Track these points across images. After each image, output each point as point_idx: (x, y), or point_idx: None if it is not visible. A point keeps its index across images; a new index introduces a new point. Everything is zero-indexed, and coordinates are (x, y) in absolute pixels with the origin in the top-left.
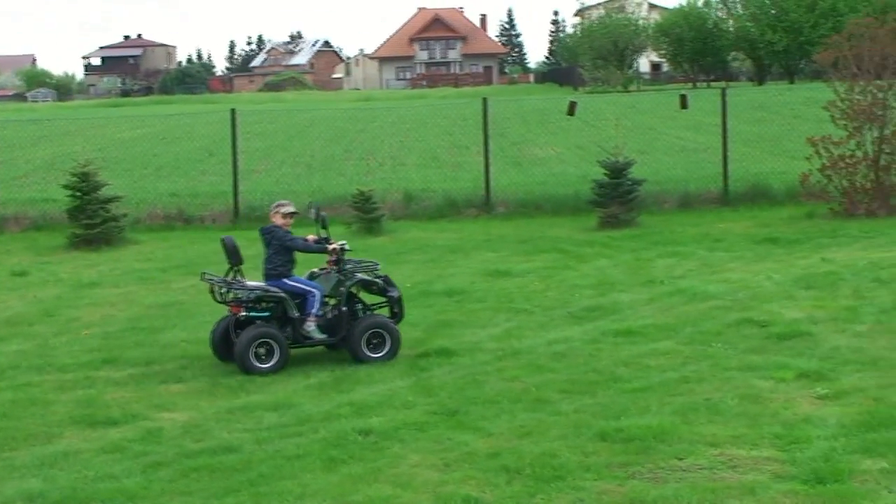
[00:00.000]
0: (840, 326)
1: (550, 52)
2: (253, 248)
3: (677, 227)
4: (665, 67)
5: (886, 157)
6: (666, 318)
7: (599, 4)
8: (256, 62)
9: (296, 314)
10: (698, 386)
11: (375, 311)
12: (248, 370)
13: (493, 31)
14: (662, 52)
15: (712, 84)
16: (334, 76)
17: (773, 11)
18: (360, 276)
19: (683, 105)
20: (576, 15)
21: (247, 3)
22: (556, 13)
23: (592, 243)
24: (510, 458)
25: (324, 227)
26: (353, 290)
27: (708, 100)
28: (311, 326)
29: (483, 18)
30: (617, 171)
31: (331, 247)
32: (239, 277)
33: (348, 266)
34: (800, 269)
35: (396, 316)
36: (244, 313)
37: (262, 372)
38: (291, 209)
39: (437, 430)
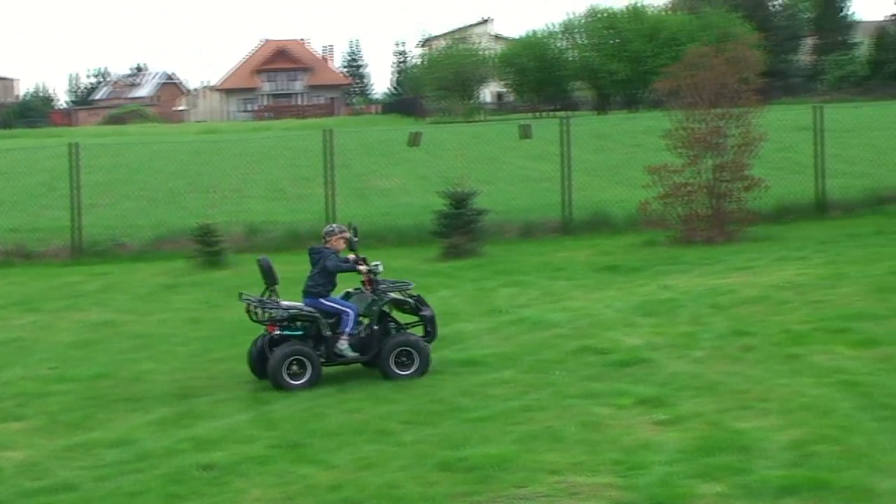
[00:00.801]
0: (678, 353)
1: (395, 82)
2: (96, 283)
3: (520, 257)
4: (509, 97)
5: (724, 185)
6: (508, 347)
7: (443, 35)
8: (99, 95)
9: (328, 333)
10: (539, 414)
11: (408, 331)
12: (280, 386)
13: (337, 62)
14: (506, 82)
15: (555, 114)
16: (178, 108)
17: (614, 41)
18: (392, 295)
19: (525, 135)
20: (420, 46)
21: (90, 36)
22: (400, 44)
23: (435, 273)
24: (352, 490)
25: (352, 250)
26: (386, 308)
27: (550, 129)
28: (343, 345)
29: (328, 50)
30: (459, 202)
31: (360, 268)
32: (274, 297)
33: (382, 286)
34: (639, 296)
35: (430, 335)
36: (278, 332)
37: (294, 388)
38: (349, 236)
39: (279, 464)
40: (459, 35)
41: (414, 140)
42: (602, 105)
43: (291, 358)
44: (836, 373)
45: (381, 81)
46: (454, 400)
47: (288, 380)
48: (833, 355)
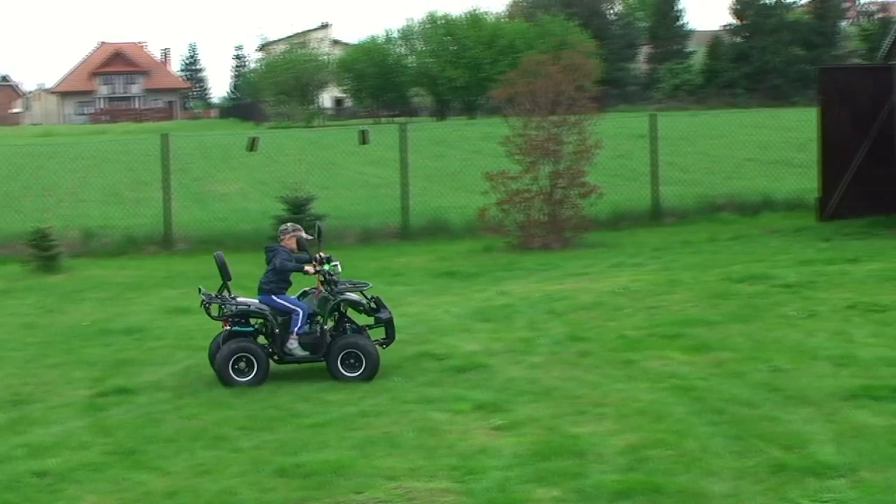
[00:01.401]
0: (516, 358)
1: (234, 87)
2: None
3: (358, 262)
4: (348, 103)
5: (560, 192)
6: None
7: (282, 40)
8: None
9: (276, 331)
10: (377, 420)
11: (364, 332)
12: (226, 383)
13: (176, 65)
14: (345, 87)
15: (395, 119)
16: (13, 111)
17: (453, 48)
18: (345, 295)
19: (363, 140)
20: (259, 50)
21: None
22: (238, 48)
23: None
24: (188, 496)
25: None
26: (343, 309)
27: (389, 135)
28: (293, 344)
29: (165, 53)
30: (298, 207)
31: (307, 268)
32: (225, 293)
33: (340, 286)
34: (477, 301)
35: (388, 337)
36: (228, 328)
37: (241, 385)
38: (306, 236)
39: (115, 471)
40: (298, 40)
41: (252, 145)
42: (441, 111)
43: (238, 355)
44: (669, 378)
45: (219, 85)
46: (292, 406)
47: (234, 376)
48: (667, 361)
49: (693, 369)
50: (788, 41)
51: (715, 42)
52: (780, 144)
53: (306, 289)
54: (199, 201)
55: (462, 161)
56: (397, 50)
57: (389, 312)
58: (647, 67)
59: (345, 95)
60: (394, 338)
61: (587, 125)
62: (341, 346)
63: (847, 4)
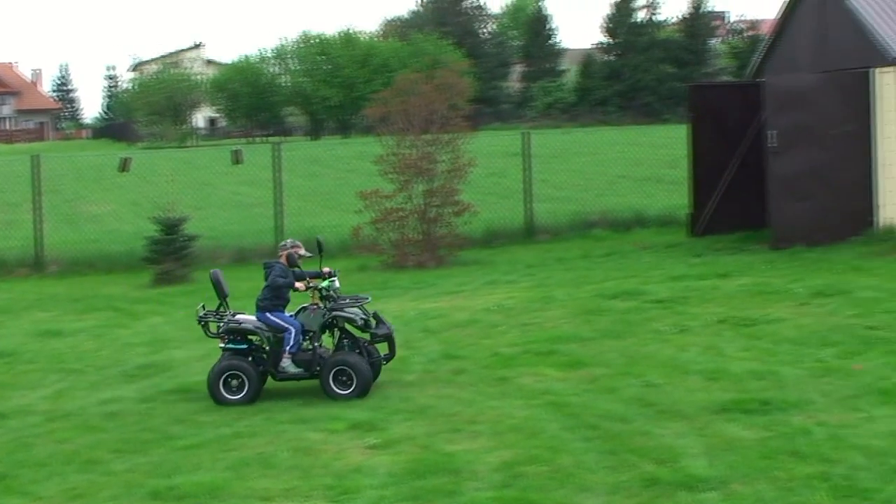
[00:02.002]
0: (391, 376)
1: (106, 107)
2: None
3: (232, 282)
4: (222, 122)
5: (434, 210)
6: None
7: (155, 60)
8: None
9: (267, 347)
10: (251, 440)
11: (365, 349)
12: (218, 401)
13: (47, 86)
14: (219, 107)
15: (269, 139)
16: None
17: (327, 67)
18: (335, 312)
19: (237, 160)
20: (131, 70)
21: None
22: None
23: (146, 300)
24: None
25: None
26: (339, 324)
27: (263, 154)
28: (286, 362)
29: (37, 74)
30: (171, 227)
31: (298, 285)
32: (223, 310)
33: (340, 302)
34: None
35: (389, 353)
36: (222, 345)
37: (232, 403)
38: (305, 252)
39: None
40: (171, 59)
41: (124, 165)
42: (315, 130)
43: (228, 373)
44: (543, 394)
45: (92, 106)
46: (165, 428)
47: (225, 394)
48: (541, 377)
49: (567, 385)
50: (660, 59)
51: (587, 60)
52: (652, 161)
53: (304, 305)
54: (70, 223)
55: (336, 180)
56: (271, 69)
57: (389, 328)
58: (520, 86)
59: (218, 115)
60: (393, 354)
61: (460, 143)
62: (332, 363)
63: (717, 23)
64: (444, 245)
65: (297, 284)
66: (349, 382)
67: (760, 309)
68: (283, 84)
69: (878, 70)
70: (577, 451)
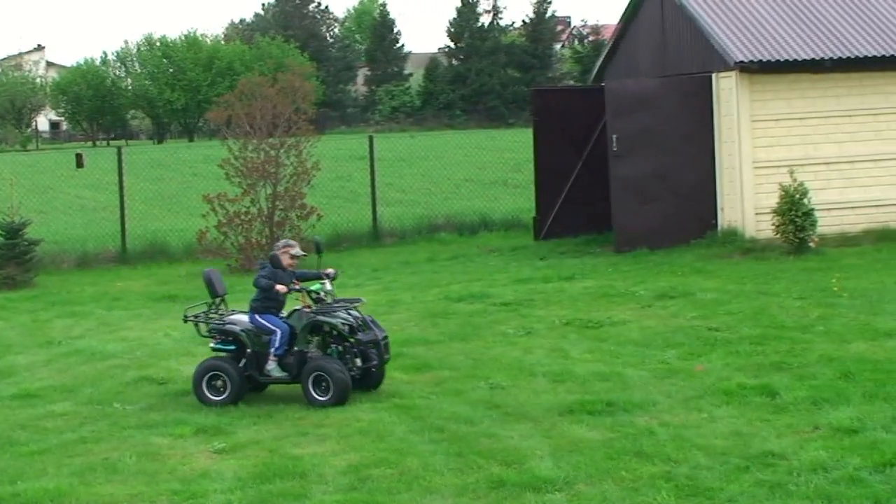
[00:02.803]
0: None
1: None
2: None
3: (75, 287)
4: (65, 126)
5: (280, 214)
6: (64, 378)
7: None
8: None
9: (248, 350)
10: (96, 446)
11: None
12: (201, 401)
13: None
14: (61, 110)
15: (112, 142)
16: None
17: (170, 70)
18: (318, 317)
19: (79, 164)
20: None
21: None
22: None
23: None
24: None
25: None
26: (326, 328)
27: (107, 158)
28: (271, 365)
29: None
30: (12, 232)
31: (278, 287)
32: (222, 309)
33: (330, 305)
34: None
35: (372, 359)
36: (212, 345)
37: (214, 404)
38: (298, 251)
39: None
40: (12, 62)
41: None
42: (160, 134)
43: (211, 373)
44: (390, 398)
45: None
46: (9, 434)
47: (209, 394)
48: (388, 380)
49: (413, 388)
50: (504, 63)
51: (432, 64)
52: (497, 165)
53: (297, 307)
54: None
55: (181, 184)
56: (114, 72)
57: (376, 333)
58: (365, 90)
59: (61, 118)
60: (379, 361)
61: (305, 147)
62: (310, 368)
63: (560, 27)
64: None
65: (278, 287)
66: (327, 389)
67: (605, 311)
68: (127, 87)
69: (718, 75)
70: (423, 454)
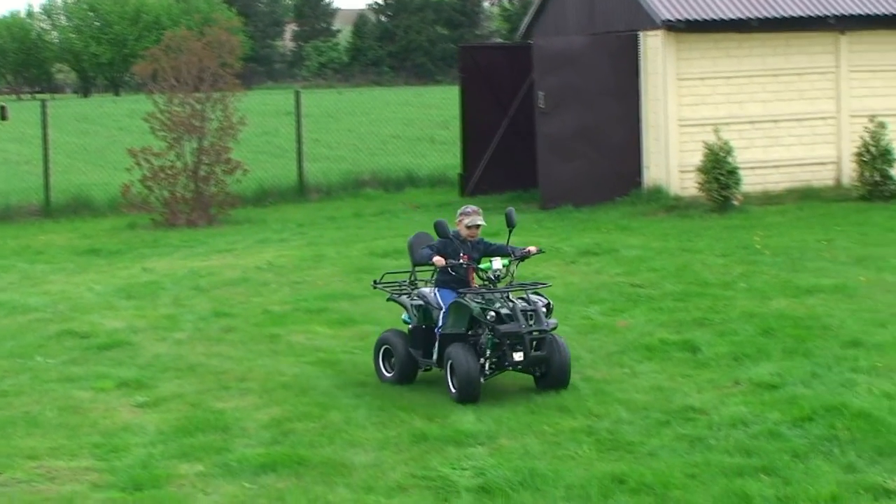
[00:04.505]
0: (160, 335)
1: None
2: None
3: None
4: None
5: (205, 168)
6: None
7: None
8: None
9: (417, 325)
10: (17, 399)
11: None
12: (379, 377)
13: None
14: None
15: (37, 96)
16: None
17: (96, 24)
18: (457, 299)
19: (3, 117)
20: None
21: None
22: None
23: None
24: None
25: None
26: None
27: (32, 111)
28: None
29: None
30: None
31: (435, 259)
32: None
33: (492, 289)
34: (121, 279)
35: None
36: (402, 317)
37: (386, 381)
38: (475, 220)
39: None
40: None
41: None
42: (86, 88)
43: (384, 346)
44: (314, 352)
45: None
46: None
47: (383, 370)
48: (312, 335)
49: (337, 343)
50: (432, 20)
51: (360, 21)
52: (424, 122)
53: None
54: None
55: (107, 138)
56: (40, 25)
57: (519, 325)
58: (293, 45)
59: None
60: (515, 357)
61: (232, 102)
62: (446, 356)
63: None
64: (215, 203)
65: (435, 259)
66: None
67: (529, 267)
68: (52, 40)
69: (645, 33)
70: (347, 408)
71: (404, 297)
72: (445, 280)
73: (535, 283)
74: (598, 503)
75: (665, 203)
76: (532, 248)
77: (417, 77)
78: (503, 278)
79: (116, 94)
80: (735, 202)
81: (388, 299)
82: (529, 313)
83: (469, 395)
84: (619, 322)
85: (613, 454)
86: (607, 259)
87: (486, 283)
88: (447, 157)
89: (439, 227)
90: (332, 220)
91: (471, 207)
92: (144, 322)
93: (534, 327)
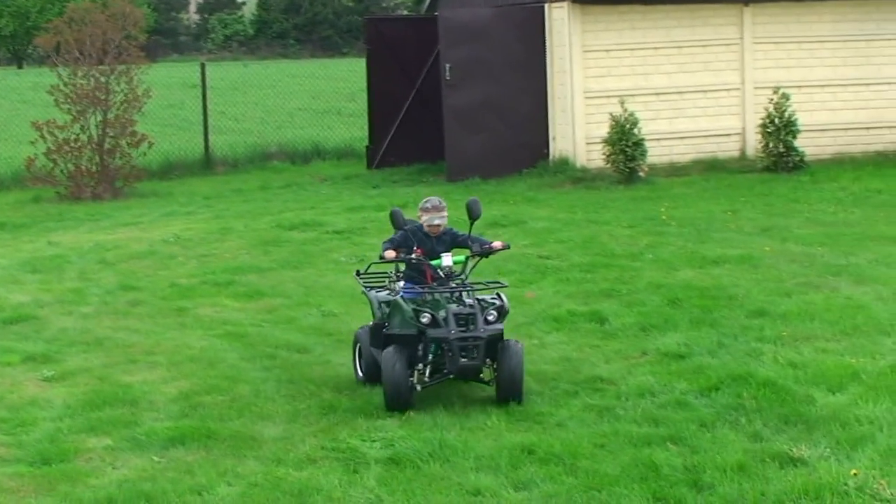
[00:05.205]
0: (66, 308)
1: None
2: None
3: None
4: None
5: (110, 141)
6: None
7: None
8: None
9: (377, 322)
10: None
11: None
12: (354, 374)
13: None
14: None
15: None
16: None
17: None
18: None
19: None
20: None
21: None
22: None
23: None
24: None
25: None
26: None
27: None
28: None
29: None
30: None
31: (385, 254)
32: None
33: (437, 287)
34: (26, 253)
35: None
36: None
37: (359, 381)
38: (434, 218)
39: None
40: None
41: None
42: None
43: (357, 345)
44: (222, 325)
45: None
46: None
47: (357, 369)
48: (219, 308)
49: (245, 316)
50: None
51: None
52: (331, 94)
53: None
54: None
55: (10, 111)
56: None
57: (448, 331)
58: (198, 18)
59: None
60: (447, 364)
61: (136, 74)
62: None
63: None
64: (120, 176)
65: (385, 253)
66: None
67: None
68: None
69: (551, 5)
70: (255, 381)
71: (372, 291)
72: (411, 275)
73: (489, 283)
74: (507, 473)
75: (572, 175)
76: (497, 244)
77: (324, 50)
78: (459, 276)
79: (20, 66)
80: (641, 174)
81: (362, 292)
82: (466, 317)
83: (396, 403)
84: (527, 293)
85: (523, 425)
86: (515, 231)
87: (437, 280)
88: (354, 129)
89: (393, 218)
90: (238, 192)
91: (431, 202)
92: (50, 296)
93: (462, 333)
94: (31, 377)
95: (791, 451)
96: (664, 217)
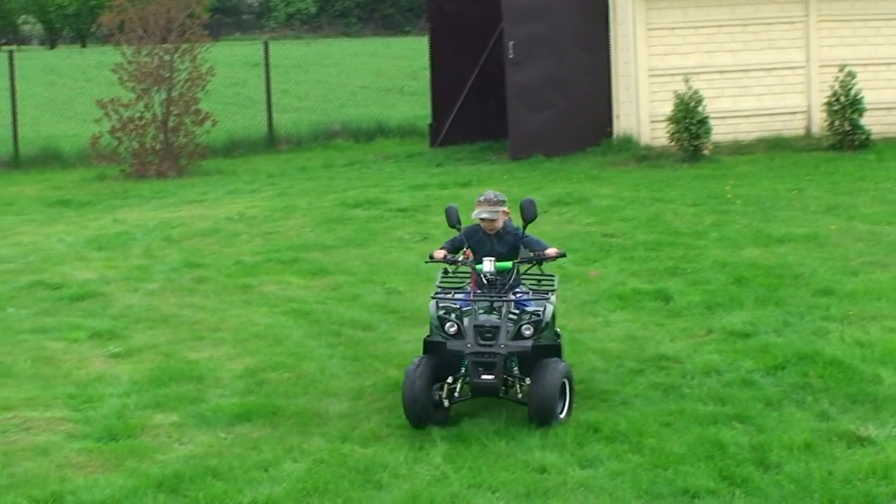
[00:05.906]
0: (132, 286)
1: None
2: None
3: None
4: None
5: (174, 119)
6: None
7: None
8: None
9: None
10: None
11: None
12: None
13: None
14: None
15: (3, 47)
16: None
17: None
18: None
19: None
20: None
21: None
22: None
23: None
24: None
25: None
26: None
27: None
28: None
29: None
30: None
31: (435, 254)
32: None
33: (481, 293)
34: (92, 230)
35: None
36: None
37: None
38: (485, 212)
39: None
40: None
41: None
42: (52, 39)
43: None
44: (287, 302)
45: None
46: None
47: None
48: (284, 285)
49: (310, 293)
50: None
51: None
52: (394, 73)
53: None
54: None
55: (74, 90)
56: None
57: (465, 343)
58: None
59: None
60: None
61: (200, 52)
62: None
63: None
64: (184, 154)
65: (435, 253)
66: None
67: None
68: None
69: None
70: (320, 358)
71: (433, 301)
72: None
73: (541, 277)
74: (573, 451)
75: (635, 153)
76: (551, 251)
77: (386, 28)
78: (506, 283)
79: (83, 45)
80: (705, 152)
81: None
82: (489, 330)
83: (413, 419)
84: (591, 272)
85: (588, 402)
86: (579, 209)
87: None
88: (417, 107)
89: (447, 216)
90: (302, 170)
91: (485, 195)
92: (116, 273)
93: (478, 348)
94: (98, 353)
95: (858, 430)
96: (729, 195)
